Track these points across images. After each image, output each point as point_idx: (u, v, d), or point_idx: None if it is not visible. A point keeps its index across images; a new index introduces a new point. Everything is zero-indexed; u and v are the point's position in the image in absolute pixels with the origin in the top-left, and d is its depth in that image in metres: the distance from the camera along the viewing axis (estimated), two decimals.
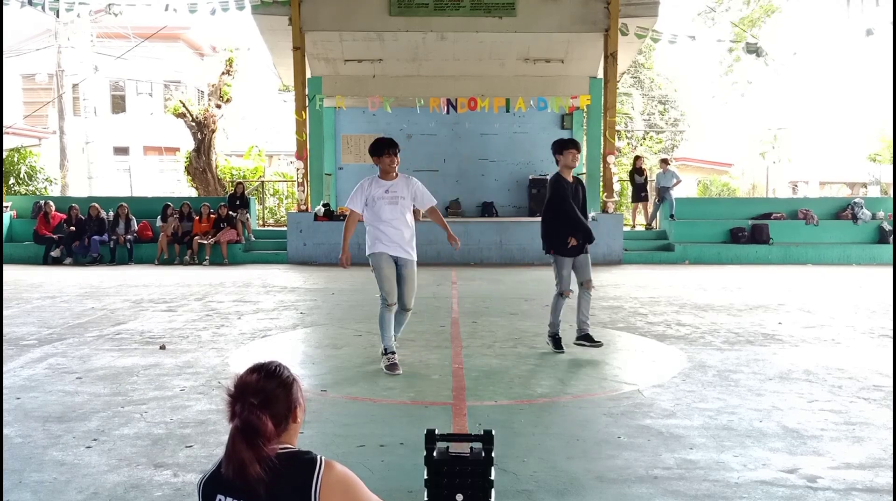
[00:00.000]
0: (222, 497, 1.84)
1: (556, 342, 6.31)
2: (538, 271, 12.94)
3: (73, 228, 14.77)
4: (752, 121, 37.02)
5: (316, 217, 14.51)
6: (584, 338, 6.26)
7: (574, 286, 6.26)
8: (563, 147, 6.20)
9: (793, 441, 4.06)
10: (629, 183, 18.22)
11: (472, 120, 18.56)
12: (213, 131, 20.02)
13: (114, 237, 14.84)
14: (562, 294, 6.20)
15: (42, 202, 15.42)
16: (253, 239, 15.56)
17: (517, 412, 4.68)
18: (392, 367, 5.63)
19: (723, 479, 3.53)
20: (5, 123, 20.49)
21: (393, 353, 5.72)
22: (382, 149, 5.67)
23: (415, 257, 5.81)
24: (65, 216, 15.11)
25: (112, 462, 3.75)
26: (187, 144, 21.86)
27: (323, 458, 1.85)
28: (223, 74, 20.65)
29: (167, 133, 27.99)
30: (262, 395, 1.85)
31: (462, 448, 2.46)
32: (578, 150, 6.29)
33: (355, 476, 1.89)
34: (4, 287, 10.43)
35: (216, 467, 1.89)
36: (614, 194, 14.73)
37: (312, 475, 1.81)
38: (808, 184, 37.98)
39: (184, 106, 19.93)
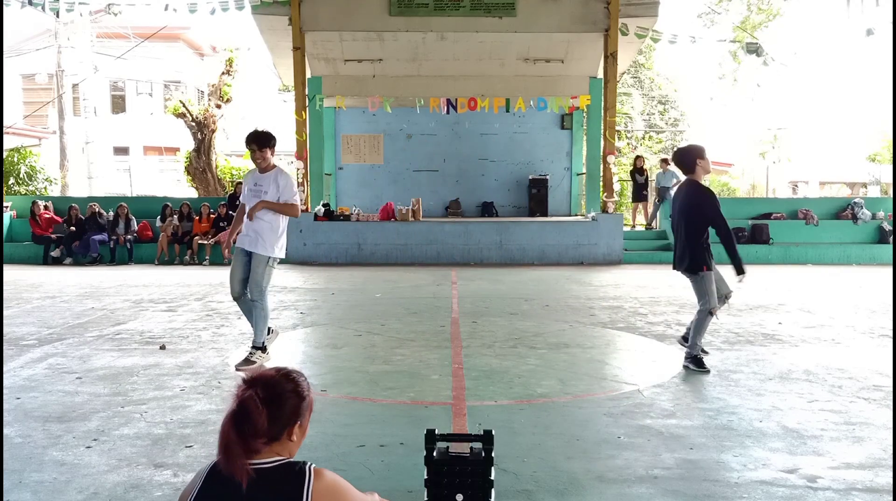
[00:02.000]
0: None
1: (699, 362, 5.65)
2: (538, 271, 12.95)
3: (72, 228, 14.77)
4: (752, 121, 37.06)
5: (316, 217, 14.51)
6: (694, 361, 5.69)
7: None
8: (699, 155, 5.61)
9: (793, 440, 4.06)
10: (629, 183, 18.24)
11: (472, 120, 18.56)
12: (213, 131, 20.03)
13: (114, 237, 14.85)
14: (711, 312, 5.61)
15: (32, 202, 15.44)
16: None
17: (517, 412, 4.68)
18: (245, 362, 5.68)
19: (723, 479, 3.52)
20: (5, 123, 20.49)
21: (257, 348, 5.77)
22: (247, 143, 5.71)
23: (263, 251, 5.65)
24: (53, 216, 15.13)
25: (112, 462, 3.75)
26: (187, 144, 21.88)
27: (312, 468, 1.83)
28: (223, 74, 20.67)
29: (167, 133, 28.00)
30: (271, 391, 1.84)
31: (462, 448, 2.46)
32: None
33: (344, 481, 1.88)
34: (4, 287, 10.43)
35: (204, 479, 1.85)
36: (614, 194, 14.72)
37: (302, 486, 1.79)
38: (808, 184, 38.00)
39: (184, 106, 19.94)
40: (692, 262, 5.63)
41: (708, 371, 5.59)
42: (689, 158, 5.67)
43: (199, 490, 1.84)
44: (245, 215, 5.77)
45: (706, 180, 6.02)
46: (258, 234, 5.66)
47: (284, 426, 1.86)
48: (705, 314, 5.65)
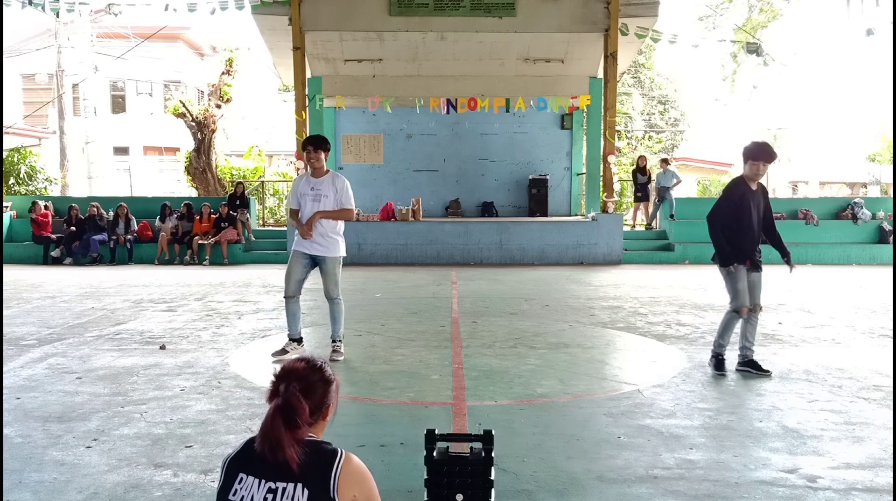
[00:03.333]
0: (244, 476, 1.95)
1: (719, 363, 5.59)
2: (538, 271, 12.95)
3: (72, 228, 14.77)
4: (752, 121, 37.08)
5: None
6: (749, 365, 5.54)
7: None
8: (750, 157, 5.43)
9: (793, 440, 4.06)
10: (630, 183, 18.23)
11: (472, 120, 18.55)
12: (213, 131, 20.01)
13: (114, 237, 14.84)
14: (737, 311, 5.49)
15: (32, 202, 15.44)
16: (253, 239, 15.56)
17: (517, 412, 4.68)
18: (281, 352, 5.99)
19: (723, 479, 3.53)
20: (5, 123, 20.49)
21: (295, 340, 6.08)
22: (303, 145, 5.87)
23: (335, 253, 5.92)
24: (50, 215, 15.14)
25: (112, 462, 3.75)
26: (187, 144, 21.87)
27: (343, 450, 1.98)
28: (223, 74, 20.64)
29: (167, 133, 27.99)
30: (305, 382, 1.99)
31: (462, 448, 2.46)
32: (769, 161, 5.46)
33: (370, 473, 2.03)
34: (4, 287, 10.43)
35: (242, 446, 2.01)
36: (614, 194, 14.72)
37: (333, 463, 1.93)
38: (808, 184, 38.00)
39: (184, 106, 19.93)
40: (716, 256, 5.55)
41: (724, 374, 5.53)
42: (742, 156, 5.54)
43: (238, 451, 2.00)
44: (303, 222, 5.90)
45: (767, 183, 5.87)
46: (325, 238, 5.86)
47: (319, 410, 2.03)
48: (728, 313, 5.57)
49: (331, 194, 5.81)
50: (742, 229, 5.44)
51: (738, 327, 5.60)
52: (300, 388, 1.97)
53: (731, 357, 5.67)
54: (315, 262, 5.95)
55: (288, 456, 1.89)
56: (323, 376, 2.06)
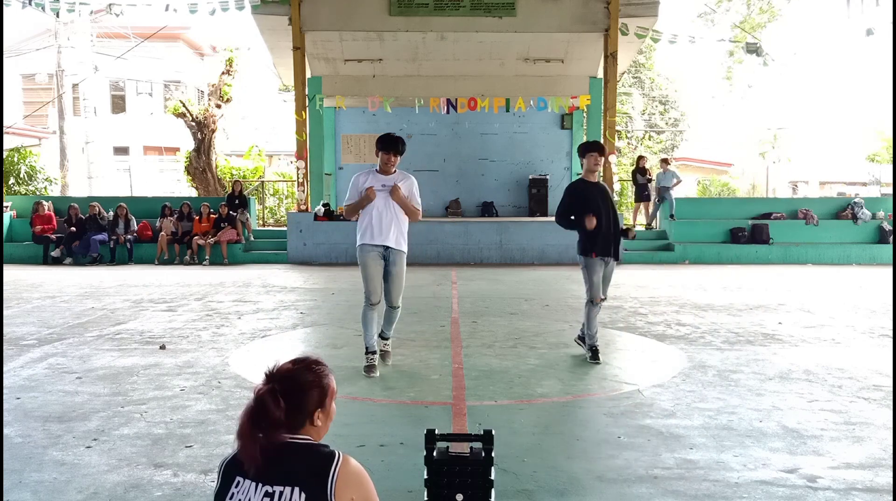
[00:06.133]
0: (240, 479, 1.92)
1: (595, 353, 5.98)
2: (538, 271, 12.95)
3: (72, 228, 14.77)
4: (752, 121, 37.08)
5: (316, 217, 14.51)
6: (583, 343, 6.17)
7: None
8: (585, 151, 6.31)
9: (793, 440, 4.07)
10: (630, 183, 18.23)
11: (472, 120, 18.55)
12: (213, 131, 20.01)
13: (114, 237, 14.84)
14: (592, 301, 6.00)
15: (36, 203, 15.45)
16: (253, 239, 15.55)
17: (517, 412, 4.68)
18: (369, 368, 5.52)
19: (723, 479, 3.53)
20: (5, 123, 20.48)
21: (373, 353, 5.61)
22: (384, 148, 5.48)
23: (405, 249, 5.65)
24: (51, 214, 15.14)
25: (112, 462, 3.75)
26: (187, 144, 21.87)
27: (341, 452, 1.94)
28: (223, 74, 20.64)
29: (167, 133, 27.99)
30: (289, 383, 1.94)
31: (462, 448, 2.46)
32: (601, 153, 6.32)
33: (367, 475, 1.98)
34: (4, 287, 10.43)
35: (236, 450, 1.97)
36: (614, 194, 14.72)
37: (330, 466, 1.90)
38: (808, 184, 38.02)
39: (184, 106, 19.93)
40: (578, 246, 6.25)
41: (599, 362, 5.93)
42: (578, 154, 6.45)
43: (235, 454, 1.97)
44: (376, 209, 5.47)
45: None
46: (401, 234, 5.55)
47: (307, 414, 1.97)
48: (586, 304, 6.09)
49: (403, 188, 5.49)
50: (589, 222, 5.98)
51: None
52: (281, 389, 1.91)
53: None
54: (383, 257, 5.52)
55: (250, 456, 1.85)
56: (315, 377, 2.01)
